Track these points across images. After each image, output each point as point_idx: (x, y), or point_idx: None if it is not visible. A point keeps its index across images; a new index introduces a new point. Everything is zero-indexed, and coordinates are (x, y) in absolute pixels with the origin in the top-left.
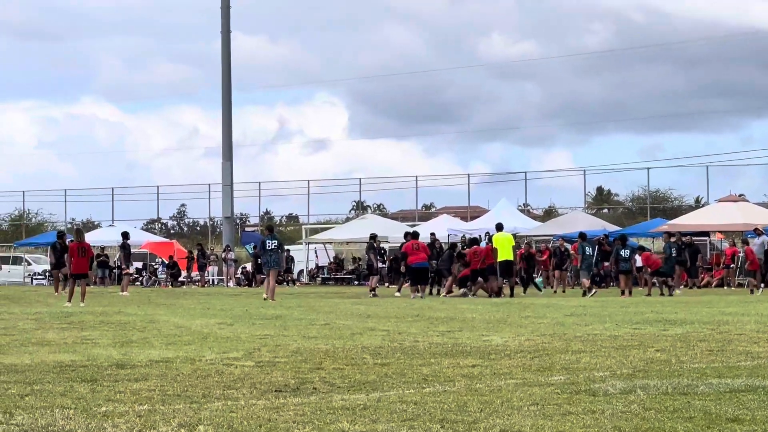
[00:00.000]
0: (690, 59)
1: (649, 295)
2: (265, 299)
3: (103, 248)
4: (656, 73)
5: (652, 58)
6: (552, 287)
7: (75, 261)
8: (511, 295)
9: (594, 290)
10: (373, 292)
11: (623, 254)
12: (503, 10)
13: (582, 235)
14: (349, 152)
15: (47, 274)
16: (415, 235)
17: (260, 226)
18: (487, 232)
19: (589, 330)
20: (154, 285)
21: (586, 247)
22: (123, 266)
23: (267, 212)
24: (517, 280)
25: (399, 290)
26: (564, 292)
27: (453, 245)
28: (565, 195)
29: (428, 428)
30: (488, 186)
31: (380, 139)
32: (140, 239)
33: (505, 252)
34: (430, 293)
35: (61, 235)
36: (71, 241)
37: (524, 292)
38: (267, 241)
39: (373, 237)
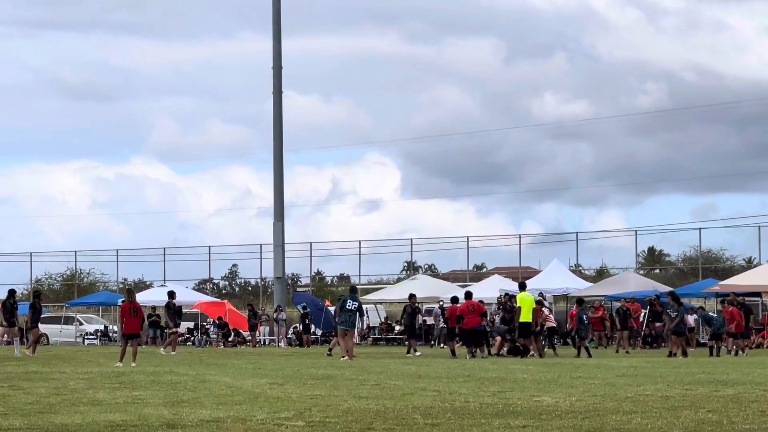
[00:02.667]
0: (743, 119)
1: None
2: (343, 358)
3: (154, 308)
4: (709, 133)
5: (705, 118)
6: (605, 347)
7: (127, 321)
8: (523, 355)
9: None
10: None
11: (672, 314)
12: (556, 70)
13: (673, 296)
14: (401, 212)
15: (99, 334)
16: (468, 296)
17: (311, 286)
18: (506, 293)
19: (640, 390)
20: (206, 345)
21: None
22: (171, 325)
23: (318, 272)
24: (569, 341)
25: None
26: (627, 352)
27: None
28: (617, 255)
29: None
30: (540, 246)
31: (432, 199)
32: (192, 299)
33: (526, 313)
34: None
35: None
36: (123, 301)
37: (578, 355)
38: (348, 301)
39: (411, 297)
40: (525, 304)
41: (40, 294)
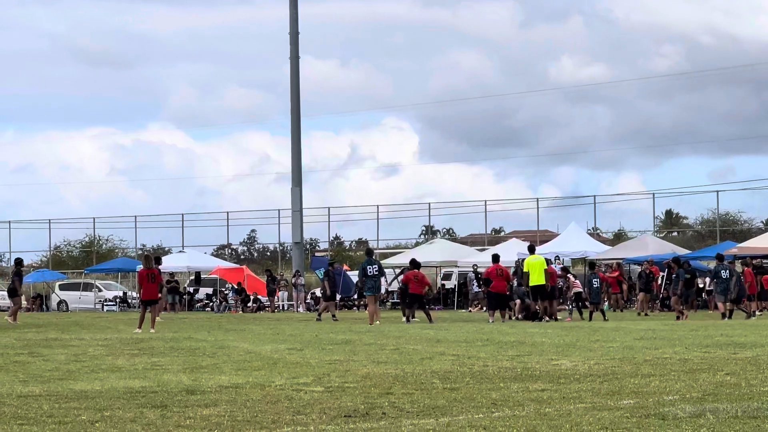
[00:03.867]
0: (760, 81)
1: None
2: (371, 325)
3: (172, 274)
4: (727, 96)
5: (723, 80)
6: (621, 310)
7: (145, 287)
8: (540, 319)
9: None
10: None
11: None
12: (573, 33)
13: (719, 257)
14: (419, 177)
15: (118, 300)
16: (496, 259)
17: (330, 251)
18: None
19: (658, 354)
20: (225, 311)
21: (721, 270)
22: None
23: (337, 237)
24: (587, 304)
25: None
26: (647, 315)
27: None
28: (635, 218)
29: None
30: (558, 210)
31: (450, 163)
32: (211, 265)
33: (536, 276)
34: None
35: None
36: (141, 268)
37: (590, 319)
38: (367, 267)
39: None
40: (534, 267)
41: (21, 261)
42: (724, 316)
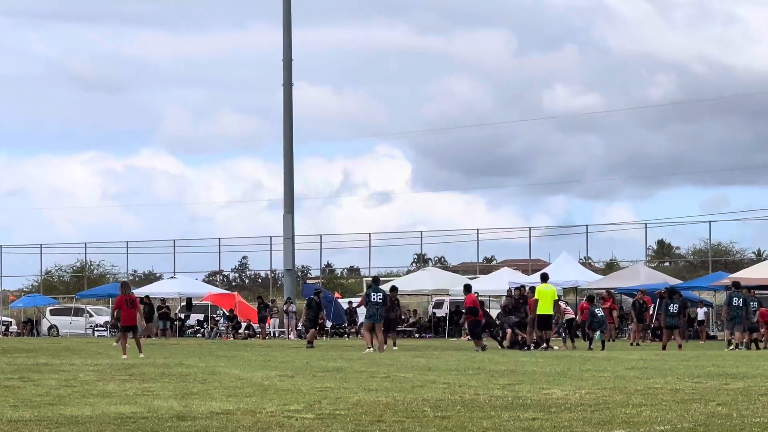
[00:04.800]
0: (754, 111)
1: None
2: (369, 349)
3: (164, 300)
4: (720, 126)
5: (716, 110)
6: (612, 339)
7: (124, 313)
8: (546, 347)
9: (737, 344)
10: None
11: (671, 309)
12: (567, 62)
13: (736, 284)
14: (412, 205)
15: (109, 325)
16: (470, 289)
17: (321, 278)
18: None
19: (650, 383)
20: (216, 337)
21: (734, 298)
22: None
23: (328, 264)
24: (579, 333)
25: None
26: (638, 345)
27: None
28: (627, 248)
29: None
30: (550, 239)
31: (443, 191)
32: (202, 291)
33: (545, 305)
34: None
35: None
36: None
37: (590, 348)
38: (372, 294)
39: (317, 292)
40: (545, 296)
41: None
42: (730, 344)
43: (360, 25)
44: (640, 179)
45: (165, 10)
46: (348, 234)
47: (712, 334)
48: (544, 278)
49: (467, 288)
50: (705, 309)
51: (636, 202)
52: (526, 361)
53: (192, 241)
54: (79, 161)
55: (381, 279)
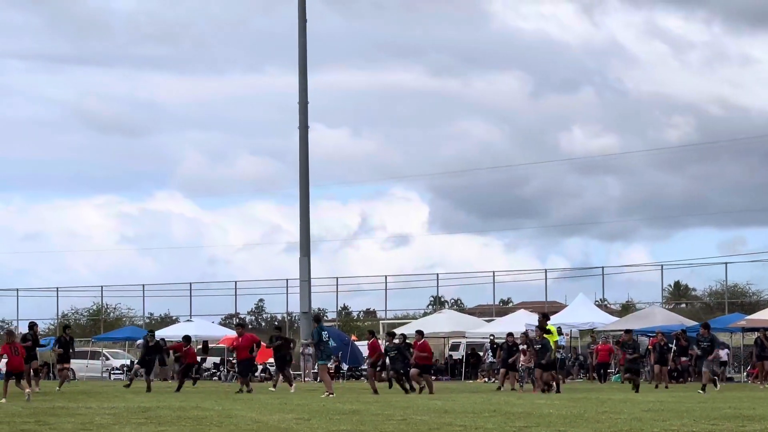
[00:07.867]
0: None
1: None
2: (328, 394)
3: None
4: (736, 167)
5: (732, 151)
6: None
7: (10, 359)
8: (558, 390)
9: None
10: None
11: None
12: (583, 104)
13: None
14: (428, 247)
15: (125, 369)
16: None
17: (337, 321)
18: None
19: (666, 425)
20: (232, 380)
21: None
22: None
23: (345, 307)
24: (595, 375)
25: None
26: (666, 387)
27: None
28: (643, 290)
29: None
30: (566, 281)
31: (459, 233)
32: (218, 334)
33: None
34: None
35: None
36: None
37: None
38: (323, 333)
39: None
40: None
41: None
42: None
43: (375, 68)
44: (657, 220)
45: (180, 53)
46: (364, 276)
47: (729, 375)
48: (546, 318)
49: (419, 333)
50: (727, 350)
51: (652, 243)
52: (542, 403)
53: (209, 284)
54: (95, 204)
55: (398, 321)
